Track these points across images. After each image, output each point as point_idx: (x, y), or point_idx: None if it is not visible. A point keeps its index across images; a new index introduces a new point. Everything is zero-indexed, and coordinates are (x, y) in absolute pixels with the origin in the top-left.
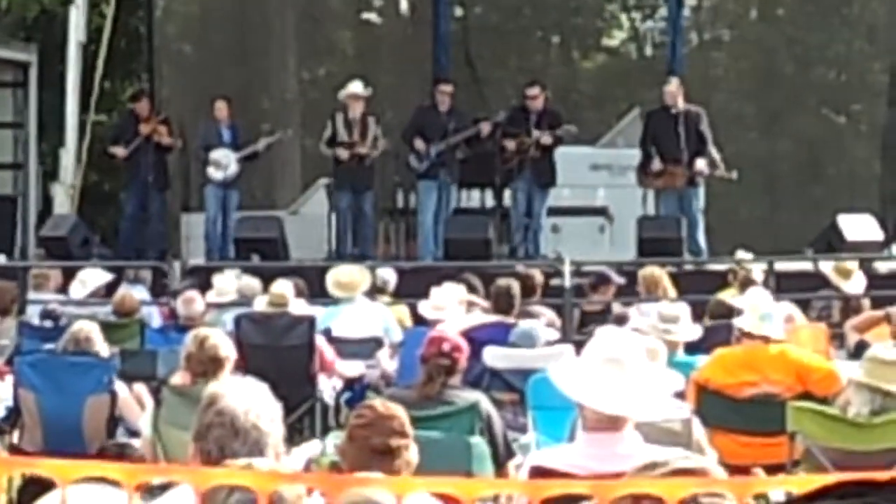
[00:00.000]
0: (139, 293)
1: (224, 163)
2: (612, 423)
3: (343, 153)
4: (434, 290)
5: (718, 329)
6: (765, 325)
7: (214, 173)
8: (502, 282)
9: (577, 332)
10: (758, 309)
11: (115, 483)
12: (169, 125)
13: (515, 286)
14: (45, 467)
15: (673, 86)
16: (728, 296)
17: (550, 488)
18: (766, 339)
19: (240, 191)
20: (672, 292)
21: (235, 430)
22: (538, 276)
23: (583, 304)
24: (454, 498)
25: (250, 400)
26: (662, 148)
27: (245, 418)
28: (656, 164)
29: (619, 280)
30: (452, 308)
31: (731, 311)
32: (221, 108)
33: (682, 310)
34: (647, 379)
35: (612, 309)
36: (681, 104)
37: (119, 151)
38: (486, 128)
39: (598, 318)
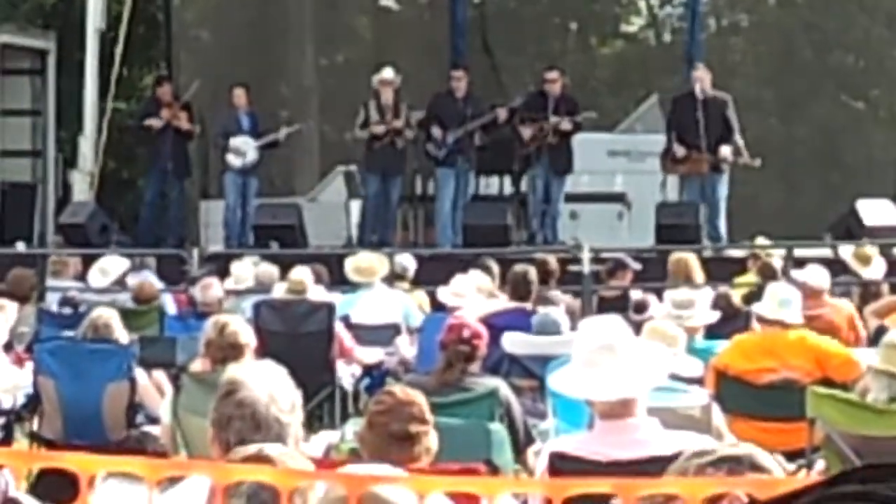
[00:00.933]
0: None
1: (243, 150)
2: (622, 409)
3: (379, 129)
4: (455, 278)
5: (738, 315)
6: (782, 311)
7: (234, 160)
8: (518, 268)
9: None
10: (777, 295)
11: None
12: (190, 111)
13: (532, 272)
14: (66, 461)
15: (700, 72)
16: (746, 281)
17: (572, 487)
18: (782, 325)
19: (259, 178)
20: (701, 278)
21: (257, 422)
22: (553, 263)
23: (600, 290)
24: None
25: (271, 389)
26: (687, 134)
27: (267, 412)
28: (680, 150)
29: (636, 266)
30: (472, 295)
31: (732, 307)
32: (240, 96)
33: (701, 295)
34: (638, 357)
35: (629, 295)
36: (708, 90)
37: (155, 122)
38: (502, 114)
39: (617, 305)
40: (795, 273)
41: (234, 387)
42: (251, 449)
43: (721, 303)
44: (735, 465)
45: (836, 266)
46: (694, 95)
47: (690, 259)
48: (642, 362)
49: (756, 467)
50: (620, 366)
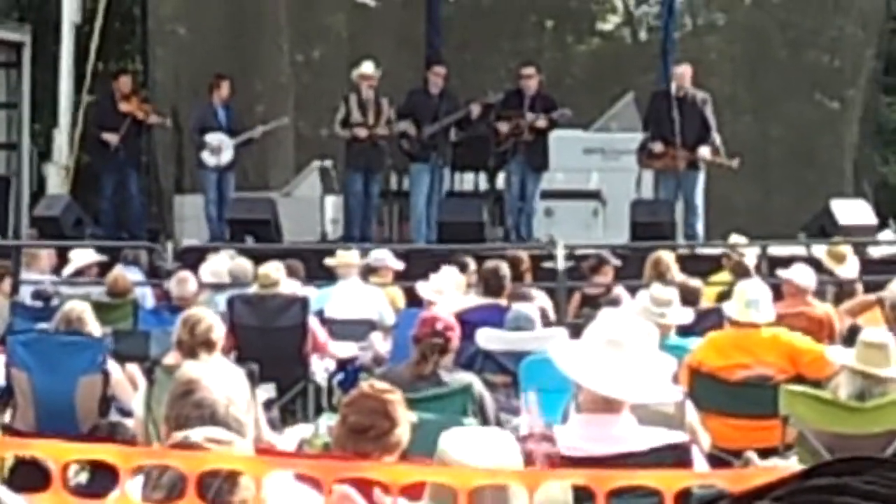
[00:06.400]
0: (133, 274)
1: (221, 148)
2: (606, 406)
3: (362, 132)
4: (434, 275)
5: (711, 312)
6: (751, 312)
7: (209, 159)
8: (490, 264)
9: (574, 315)
10: (744, 296)
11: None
12: (149, 104)
13: (504, 267)
14: (39, 448)
15: (683, 69)
16: (720, 280)
17: (547, 478)
18: (752, 325)
19: (234, 173)
20: (678, 277)
21: (216, 423)
22: (526, 259)
23: (583, 287)
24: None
25: (228, 389)
26: (665, 130)
27: (225, 412)
28: (658, 146)
29: (616, 262)
30: (450, 291)
31: (698, 299)
32: (225, 87)
33: (676, 294)
34: (645, 363)
35: (612, 291)
36: (688, 88)
37: (111, 139)
38: (475, 109)
39: (598, 302)
40: (781, 272)
41: (191, 386)
42: (178, 437)
43: (690, 297)
44: None
45: (810, 265)
46: (672, 92)
47: (667, 258)
48: (648, 368)
49: None
50: (625, 365)
